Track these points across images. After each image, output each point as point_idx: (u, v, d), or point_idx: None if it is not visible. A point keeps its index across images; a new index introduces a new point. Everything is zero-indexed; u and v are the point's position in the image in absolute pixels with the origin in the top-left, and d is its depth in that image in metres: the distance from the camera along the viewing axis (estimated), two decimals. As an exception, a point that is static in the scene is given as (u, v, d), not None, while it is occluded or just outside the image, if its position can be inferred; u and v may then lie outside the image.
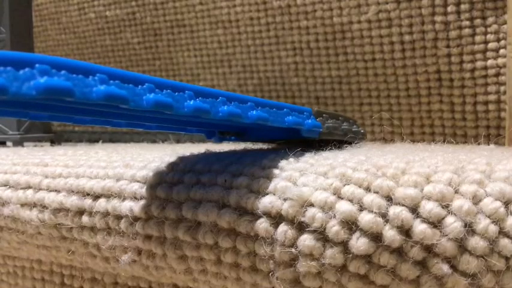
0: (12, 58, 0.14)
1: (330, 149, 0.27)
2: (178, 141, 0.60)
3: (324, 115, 0.28)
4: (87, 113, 0.20)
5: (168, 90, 0.18)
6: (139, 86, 0.17)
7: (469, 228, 0.17)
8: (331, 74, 0.53)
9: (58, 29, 0.71)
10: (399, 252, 0.17)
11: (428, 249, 0.17)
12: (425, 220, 0.17)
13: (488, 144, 0.43)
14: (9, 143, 0.59)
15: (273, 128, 0.24)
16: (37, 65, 0.14)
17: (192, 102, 0.18)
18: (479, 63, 0.45)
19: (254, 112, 0.22)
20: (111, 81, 0.16)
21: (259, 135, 0.28)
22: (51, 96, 0.14)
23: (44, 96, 0.14)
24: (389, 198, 0.18)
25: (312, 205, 0.18)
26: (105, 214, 0.24)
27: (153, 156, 0.27)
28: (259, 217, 0.19)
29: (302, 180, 0.20)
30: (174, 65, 0.63)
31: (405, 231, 0.17)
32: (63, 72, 0.14)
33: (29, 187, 0.27)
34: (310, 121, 0.26)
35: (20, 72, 0.14)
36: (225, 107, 0.20)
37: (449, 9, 0.45)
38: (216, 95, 0.20)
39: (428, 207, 0.17)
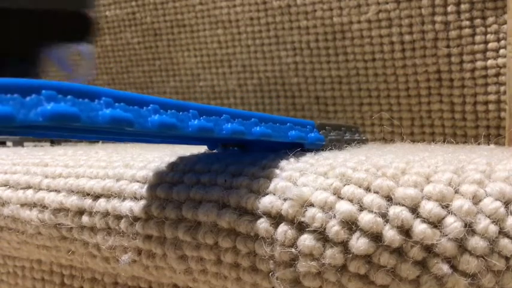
0: (19, 85, 0.14)
1: (330, 149, 0.27)
2: (178, 141, 0.60)
3: (326, 127, 0.28)
4: (93, 132, 0.20)
5: (173, 111, 0.18)
6: (144, 108, 0.17)
7: (469, 228, 0.17)
8: (331, 74, 0.53)
9: (58, 29, 0.71)
10: (399, 252, 0.17)
11: (428, 249, 0.17)
12: (425, 220, 0.17)
13: (488, 144, 0.43)
14: (9, 143, 0.59)
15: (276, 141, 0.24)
16: (43, 91, 0.14)
17: (196, 121, 0.18)
18: (479, 63, 0.45)
19: (258, 128, 0.22)
20: (116, 104, 0.16)
21: (262, 148, 0.28)
22: (58, 123, 0.14)
23: (51, 123, 0.14)
24: (389, 198, 0.18)
25: (312, 205, 0.18)
26: (105, 214, 0.24)
27: (153, 156, 0.27)
28: (259, 217, 0.19)
29: (302, 180, 0.20)
30: (174, 65, 0.63)
31: (405, 231, 0.17)
32: (69, 97, 0.14)
33: (29, 187, 0.27)
34: (313, 134, 0.26)
35: (26, 99, 0.14)
36: (229, 125, 0.20)
37: (449, 9, 0.45)
38: (220, 112, 0.20)
39: (428, 207, 0.17)
